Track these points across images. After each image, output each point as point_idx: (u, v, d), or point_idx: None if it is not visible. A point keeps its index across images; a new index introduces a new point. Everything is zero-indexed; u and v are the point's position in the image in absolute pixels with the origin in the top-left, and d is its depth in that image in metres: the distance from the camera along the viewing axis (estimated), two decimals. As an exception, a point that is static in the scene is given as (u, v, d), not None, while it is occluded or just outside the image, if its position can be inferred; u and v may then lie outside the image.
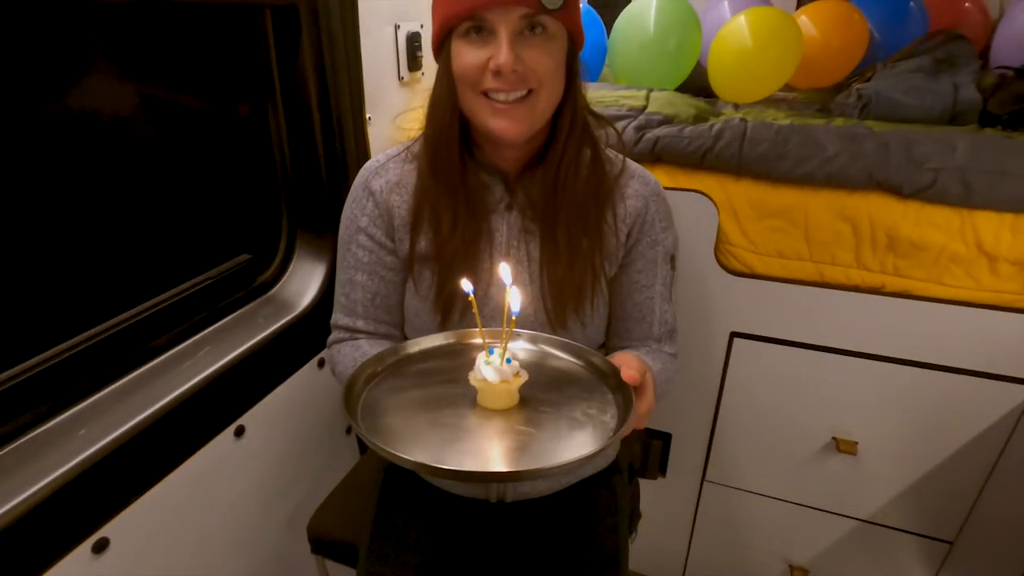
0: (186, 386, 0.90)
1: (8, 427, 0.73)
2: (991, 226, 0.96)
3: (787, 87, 1.82)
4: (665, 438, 1.36)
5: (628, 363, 0.62)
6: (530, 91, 0.67)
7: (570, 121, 0.74)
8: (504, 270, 0.62)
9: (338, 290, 0.85)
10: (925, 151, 1.00)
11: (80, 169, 0.84)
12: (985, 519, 1.14)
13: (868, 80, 1.51)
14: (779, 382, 1.19)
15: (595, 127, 0.79)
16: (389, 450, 0.52)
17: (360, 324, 0.83)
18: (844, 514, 1.26)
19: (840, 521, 1.27)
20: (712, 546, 1.45)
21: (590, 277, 0.78)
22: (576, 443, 0.56)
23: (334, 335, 0.87)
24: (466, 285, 0.63)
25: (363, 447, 1.37)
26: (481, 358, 0.60)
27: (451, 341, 0.72)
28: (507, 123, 0.68)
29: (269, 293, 1.12)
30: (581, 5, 0.70)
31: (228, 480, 0.99)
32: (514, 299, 0.60)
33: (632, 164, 0.82)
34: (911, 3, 1.80)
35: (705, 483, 1.37)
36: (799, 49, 1.54)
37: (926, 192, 0.98)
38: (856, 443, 1.17)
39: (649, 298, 0.81)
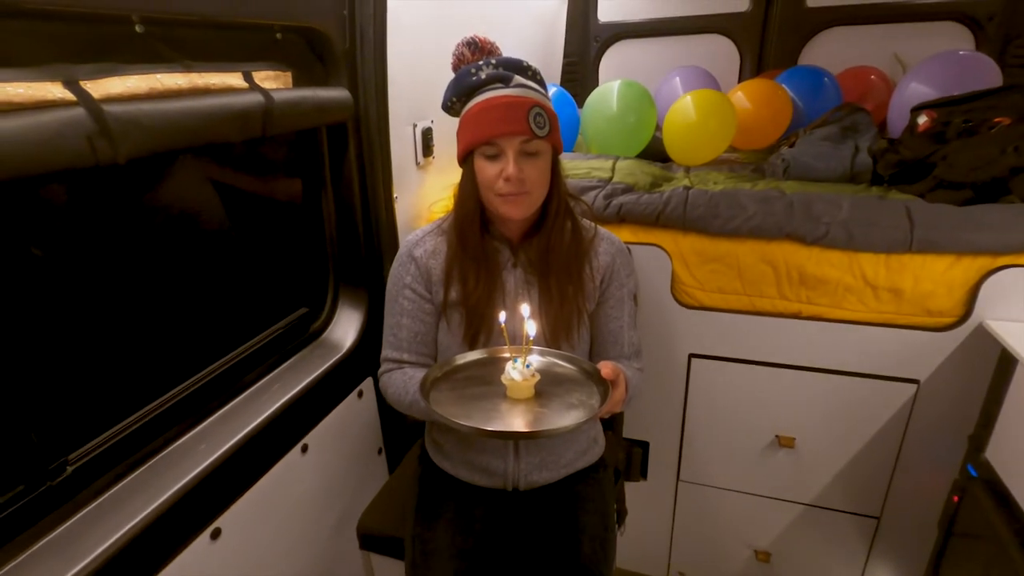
0: (267, 412, 1.16)
1: (157, 442, 0.99)
2: (871, 263, 1.28)
3: (731, 148, 2.19)
4: (644, 446, 1.64)
5: (606, 365, 0.93)
6: (526, 192, 0.99)
7: (556, 205, 1.06)
8: (525, 308, 0.93)
9: (387, 332, 1.13)
10: (819, 209, 1.33)
11: (189, 250, 1.12)
12: (901, 495, 1.42)
13: (792, 145, 1.87)
14: (731, 392, 1.48)
15: (574, 205, 1.10)
16: (453, 419, 0.82)
17: (405, 356, 1.12)
18: (792, 500, 1.53)
19: (790, 507, 1.54)
20: (690, 539, 1.71)
21: (576, 314, 1.08)
22: (573, 417, 0.86)
23: (384, 367, 1.14)
24: (502, 316, 0.94)
25: (392, 466, 1.62)
26: (509, 365, 0.90)
27: (485, 356, 1.02)
28: (513, 208, 1.01)
29: (320, 338, 1.39)
30: (557, 89, 0.98)
31: (296, 487, 1.24)
32: (531, 327, 0.91)
33: (602, 229, 1.15)
34: (825, 79, 2.19)
35: (680, 483, 1.64)
36: (733, 121, 1.90)
37: (822, 240, 1.30)
38: (794, 438, 1.45)
39: (619, 327, 1.12)
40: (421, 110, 1.53)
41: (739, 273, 1.39)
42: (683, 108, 1.93)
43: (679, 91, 2.34)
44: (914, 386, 1.32)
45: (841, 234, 1.29)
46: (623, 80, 2.01)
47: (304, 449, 1.25)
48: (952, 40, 2.39)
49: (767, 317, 1.39)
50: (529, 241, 1.08)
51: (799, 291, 1.35)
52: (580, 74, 2.91)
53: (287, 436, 1.22)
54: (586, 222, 1.14)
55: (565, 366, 1.01)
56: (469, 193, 1.03)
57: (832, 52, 2.53)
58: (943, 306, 1.26)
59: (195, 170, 1.14)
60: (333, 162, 1.32)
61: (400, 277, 1.10)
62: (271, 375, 1.25)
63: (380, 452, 1.58)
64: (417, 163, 1.55)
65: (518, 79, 0.99)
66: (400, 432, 1.59)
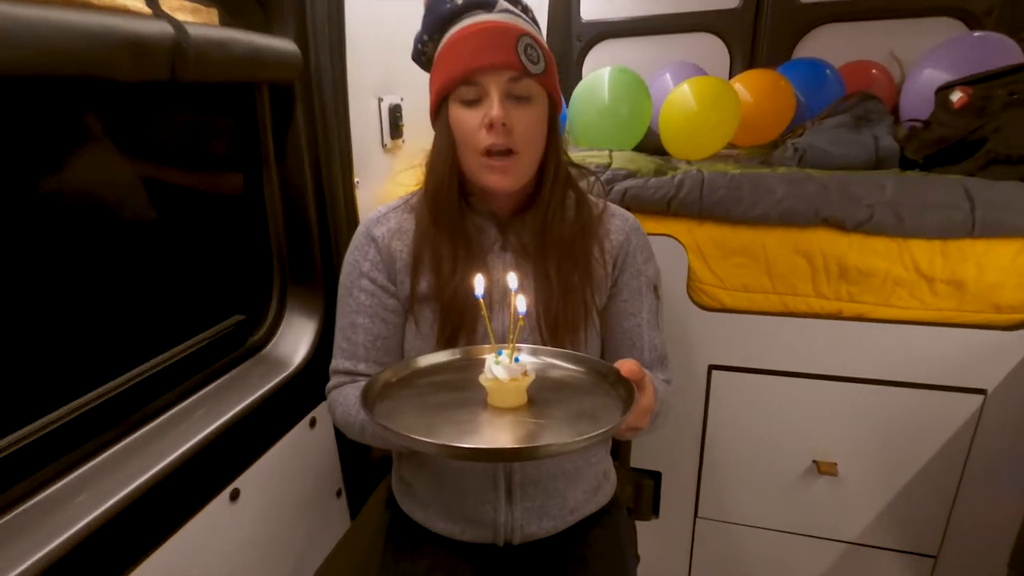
0: (181, 450, 0.88)
1: (13, 492, 0.71)
2: (924, 252, 1.09)
3: (730, 145, 2.01)
4: (656, 477, 1.39)
5: (625, 362, 0.67)
6: (513, 152, 0.76)
7: (554, 171, 0.82)
8: (512, 278, 0.68)
9: (339, 336, 0.88)
10: (859, 190, 1.13)
11: (75, 236, 0.86)
12: (962, 529, 1.20)
13: (800, 136, 1.70)
14: (758, 410, 1.25)
15: (577, 177, 0.88)
16: (408, 434, 0.55)
17: (362, 367, 0.86)
18: (832, 538, 1.30)
19: (829, 546, 1.31)
20: (710, 586, 1.45)
21: (582, 310, 0.84)
22: (586, 429, 0.59)
23: (334, 381, 0.88)
24: (479, 282, 0.67)
25: (354, 511, 1.33)
26: (490, 359, 0.64)
27: (458, 357, 0.76)
28: (499, 178, 0.77)
29: (261, 352, 1.12)
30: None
31: (224, 545, 0.95)
32: (521, 303, 0.65)
33: (612, 204, 0.91)
34: (827, 71, 2.05)
35: (698, 520, 1.39)
36: (737, 111, 1.73)
37: (865, 225, 1.10)
38: (835, 464, 1.23)
39: (637, 325, 0.88)
40: (388, 83, 1.30)
41: (767, 267, 1.17)
42: (682, 97, 1.75)
43: (670, 84, 2.18)
44: (980, 397, 1.11)
45: (888, 217, 1.09)
46: (614, 67, 1.83)
47: (234, 495, 0.97)
48: (948, 36, 2.30)
49: (801, 319, 1.18)
50: (521, 217, 0.85)
51: (839, 287, 1.14)
52: (563, 75, 2.74)
53: (212, 478, 0.94)
54: (592, 198, 0.91)
55: (567, 367, 0.75)
56: (444, 155, 0.80)
57: (826, 50, 2.40)
58: (1013, 300, 1.06)
59: (109, 151, 0.89)
60: (277, 135, 1.07)
61: (356, 264, 0.86)
62: (192, 399, 0.98)
63: (339, 494, 1.29)
64: (383, 145, 1.31)
65: (504, 4, 0.77)
66: (364, 469, 1.32)
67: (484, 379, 0.64)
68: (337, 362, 0.87)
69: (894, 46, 2.35)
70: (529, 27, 0.78)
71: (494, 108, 0.73)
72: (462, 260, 0.81)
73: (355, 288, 0.85)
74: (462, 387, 0.69)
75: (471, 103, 0.75)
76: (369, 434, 0.83)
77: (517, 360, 0.63)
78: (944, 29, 2.31)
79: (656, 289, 0.91)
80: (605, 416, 0.62)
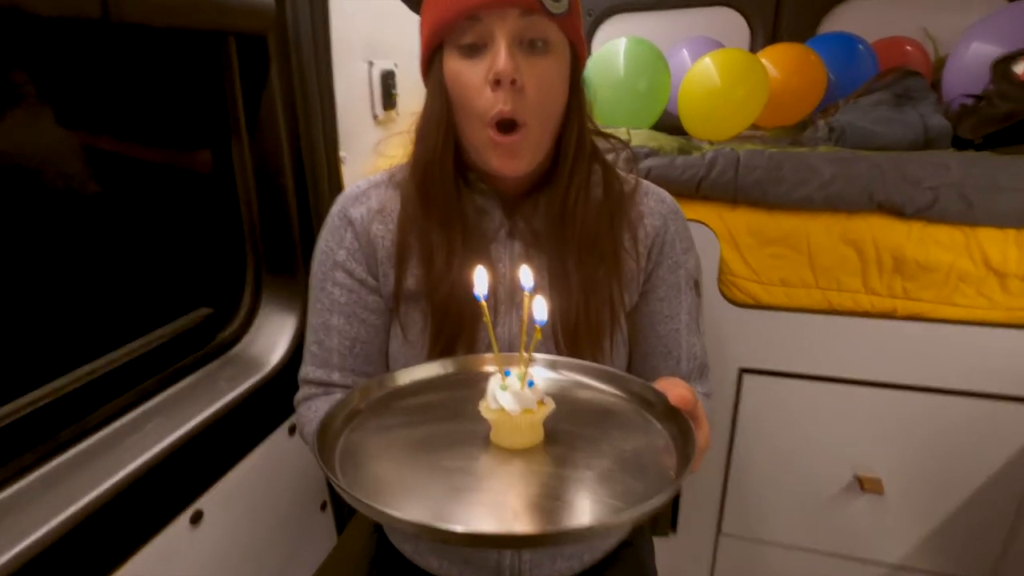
0: (134, 465, 0.75)
1: None
2: (996, 242, 0.94)
3: (754, 126, 1.86)
4: (674, 489, 1.26)
5: (674, 384, 0.52)
6: (523, 124, 0.60)
7: (576, 142, 0.65)
8: (525, 272, 0.52)
9: (309, 338, 0.73)
10: (919, 171, 0.99)
11: (10, 214, 0.71)
12: (1021, 555, 1.07)
13: (833, 116, 1.55)
14: (794, 419, 1.12)
15: (604, 149, 0.72)
16: (378, 507, 0.39)
17: (336, 377, 0.71)
18: (874, 560, 1.17)
19: (870, 570, 1.18)
20: (732, 608, 1.33)
21: (608, 314, 0.68)
22: (631, 487, 0.44)
23: (303, 392, 0.74)
24: (479, 277, 0.52)
25: (341, 526, 1.20)
26: (495, 382, 0.49)
27: (451, 371, 0.61)
28: (505, 160, 0.62)
29: (232, 351, 0.98)
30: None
31: (187, 566, 0.82)
32: (539, 309, 0.50)
33: (645, 181, 0.74)
34: (860, 46, 1.89)
35: (721, 536, 1.26)
36: (766, 87, 1.57)
37: (928, 211, 0.96)
38: (880, 480, 1.09)
39: (674, 330, 0.72)
40: (380, 46, 1.15)
41: (810, 258, 1.03)
42: (704, 72, 1.59)
43: (688, 64, 2.02)
44: (1052, 409, 0.98)
45: (955, 201, 0.95)
46: (631, 37, 1.67)
47: (196, 518, 0.83)
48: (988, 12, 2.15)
49: (848, 317, 1.04)
50: (534, 198, 0.68)
51: (893, 282, 1.00)
52: (571, 52, 2.59)
53: (167, 501, 0.80)
54: (622, 171, 0.74)
55: (594, 386, 0.59)
56: (437, 118, 0.63)
57: (854, 27, 2.25)
58: (1098, 299, 0.92)
59: (43, 116, 0.75)
60: (249, 100, 0.92)
61: (329, 252, 0.70)
62: (148, 405, 0.84)
63: (324, 507, 1.16)
64: (375, 116, 1.17)
65: None
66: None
67: (486, 409, 0.49)
68: (307, 369, 0.73)
69: (926, 23, 2.19)
70: None
71: (500, 59, 0.57)
72: (459, 251, 0.66)
73: (328, 282, 0.70)
74: (456, 414, 0.53)
75: (471, 51, 0.59)
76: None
77: (531, 384, 0.48)
78: (981, 4, 2.15)
79: (697, 285, 0.75)
80: (653, 463, 0.47)
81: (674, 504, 1.28)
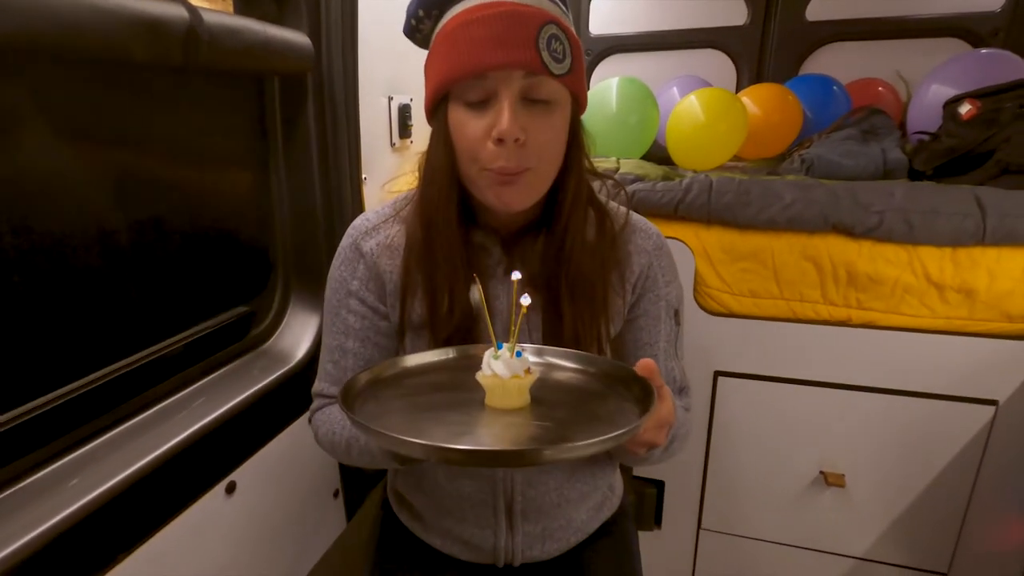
0: (179, 438, 0.87)
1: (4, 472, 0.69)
2: (935, 259, 1.08)
3: (736, 158, 2.02)
4: (659, 486, 1.36)
5: (644, 364, 0.58)
6: (526, 169, 0.63)
7: (574, 189, 0.69)
8: (525, 298, 0.58)
9: (324, 357, 0.78)
10: (868, 197, 1.13)
11: (82, 215, 0.85)
12: (974, 545, 1.17)
13: (807, 148, 1.70)
14: (764, 418, 1.23)
15: (599, 189, 0.77)
16: (392, 434, 0.47)
17: None
18: (840, 552, 1.26)
19: (836, 561, 1.27)
20: (713, 601, 1.41)
21: (595, 349, 0.73)
22: (600, 432, 0.51)
23: (317, 403, 0.80)
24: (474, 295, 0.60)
25: (350, 512, 1.31)
26: (489, 354, 0.57)
27: (452, 356, 0.68)
28: (507, 195, 0.65)
29: (264, 345, 1.11)
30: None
31: (218, 539, 0.93)
32: (525, 299, 0.58)
33: (635, 216, 0.78)
34: (834, 87, 2.06)
35: (701, 531, 1.36)
36: (745, 122, 1.73)
37: (875, 231, 1.09)
38: (843, 475, 1.20)
39: (652, 356, 0.76)
40: (399, 82, 1.31)
41: (775, 272, 1.16)
42: (689, 108, 1.76)
43: (677, 97, 2.19)
44: (991, 408, 1.09)
45: (898, 223, 1.08)
46: (622, 77, 1.84)
47: (231, 488, 0.95)
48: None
49: (809, 325, 1.16)
50: (531, 240, 0.72)
51: (848, 293, 1.13)
52: (571, 88, 2.77)
53: (208, 469, 0.92)
54: (613, 205, 0.78)
55: (574, 367, 0.66)
56: (441, 163, 0.67)
57: (832, 68, 2.42)
58: (1025, 309, 1.04)
59: (118, 145, 0.89)
60: (287, 128, 1.08)
61: (343, 281, 0.75)
62: (191, 388, 0.96)
63: (336, 495, 1.27)
64: (392, 144, 1.32)
65: None
66: (363, 471, 1.30)
67: (482, 376, 0.57)
68: (323, 386, 0.78)
69: (900, 66, 2.36)
70: (555, 10, 0.64)
71: (504, 119, 0.60)
72: (460, 291, 0.70)
73: (343, 309, 0.76)
74: (456, 387, 0.62)
75: (476, 105, 0.63)
76: (356, 451, 0.73)
77: (519, 355, 0.57)
78: (949, 49, 2.33)
79: (677, 314, 0.79)
80: (620, 421, 0.55)
81: (658, 501, 1.38)
